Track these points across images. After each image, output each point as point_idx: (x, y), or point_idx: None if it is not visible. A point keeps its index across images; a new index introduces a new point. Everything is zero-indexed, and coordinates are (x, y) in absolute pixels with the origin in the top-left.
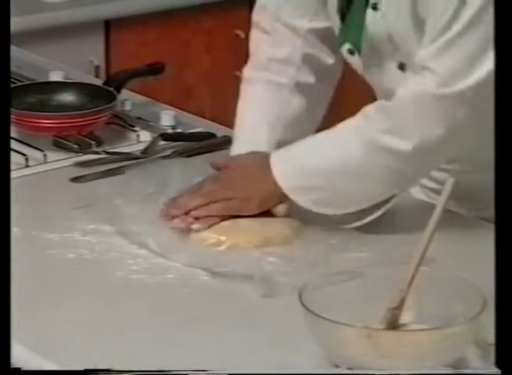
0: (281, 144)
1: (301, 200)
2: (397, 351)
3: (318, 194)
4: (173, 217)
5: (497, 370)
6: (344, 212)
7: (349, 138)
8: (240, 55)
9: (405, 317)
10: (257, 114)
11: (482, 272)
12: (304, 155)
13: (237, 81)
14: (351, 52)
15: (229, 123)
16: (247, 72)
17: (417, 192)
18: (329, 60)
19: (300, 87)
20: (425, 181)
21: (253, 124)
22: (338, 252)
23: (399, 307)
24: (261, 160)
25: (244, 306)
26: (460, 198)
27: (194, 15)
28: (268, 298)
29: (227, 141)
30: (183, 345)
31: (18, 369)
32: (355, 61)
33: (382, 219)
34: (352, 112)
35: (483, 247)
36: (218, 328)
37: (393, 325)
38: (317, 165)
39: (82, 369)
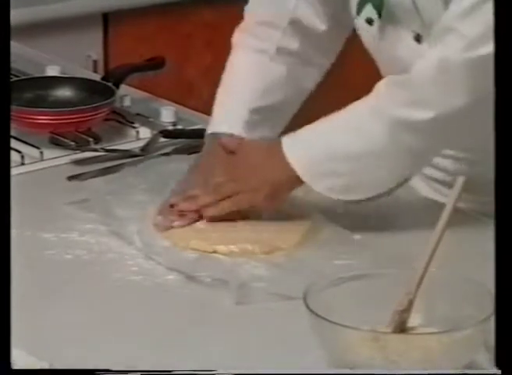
0: (259, 111)
1: (320, 187)
2: (405, 356)
3: (339, 181)
4: (181, 212)
5: (497, 370)
6: (364, 198)
7: (369, 120)
8: None
9: (413, 320)
10: (236, 81)
11: (487, 271)
12: (321, 139)
13: None
14: (369, 22)
15: None
16: (235, 35)
17: (421, 187)
18: (322, 26)
19: (282, 53)
20: (432, 171)
21: (231, 91)
22: (325, 259)
23: (407, 310)
24: (269, 146)
25: (244, 308)
26: (468, 190)
27: (195, 7)
28: (242, 305)
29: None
30: (183, 347)
31: (18, 369)
32: (370, 32)
33: (385, 219)
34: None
35: (488, 246)
36: (219, 330)
37: (401, 328)
38: (338, 149)
39: (81, 369)
